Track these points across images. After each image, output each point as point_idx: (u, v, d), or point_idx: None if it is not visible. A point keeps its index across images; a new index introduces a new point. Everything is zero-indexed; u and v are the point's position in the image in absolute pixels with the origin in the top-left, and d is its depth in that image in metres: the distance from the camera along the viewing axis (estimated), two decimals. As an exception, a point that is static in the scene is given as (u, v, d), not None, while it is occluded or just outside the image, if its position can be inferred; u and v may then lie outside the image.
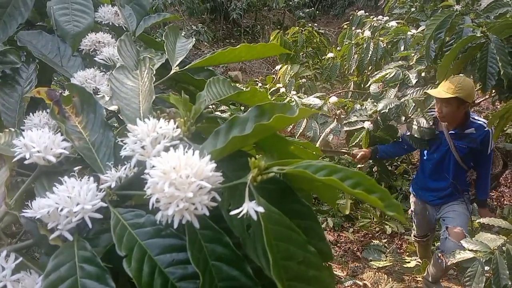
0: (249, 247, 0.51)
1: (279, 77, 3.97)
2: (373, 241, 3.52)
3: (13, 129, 0.73)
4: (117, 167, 0.59)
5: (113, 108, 0.73)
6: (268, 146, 0.58)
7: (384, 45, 3.68)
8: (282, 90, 3.52)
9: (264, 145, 0.58)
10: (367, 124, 2.72)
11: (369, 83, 3.16)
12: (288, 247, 0.44)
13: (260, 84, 4.06)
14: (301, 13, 10.09)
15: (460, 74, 3.15)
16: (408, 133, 2.67)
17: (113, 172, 0.58)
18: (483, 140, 2.49)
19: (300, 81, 3.96)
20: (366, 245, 3.45)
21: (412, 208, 2.90)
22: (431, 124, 2.56)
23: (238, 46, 0.79)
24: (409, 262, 3.18)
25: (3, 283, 0.52)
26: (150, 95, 0.66)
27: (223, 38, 9.12)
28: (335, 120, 2.77)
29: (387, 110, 2.65)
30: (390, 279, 2.98)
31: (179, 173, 0.48)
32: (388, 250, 3.31)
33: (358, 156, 2.72)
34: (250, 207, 0.43)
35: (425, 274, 2.80)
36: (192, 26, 7.91)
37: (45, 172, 0.62)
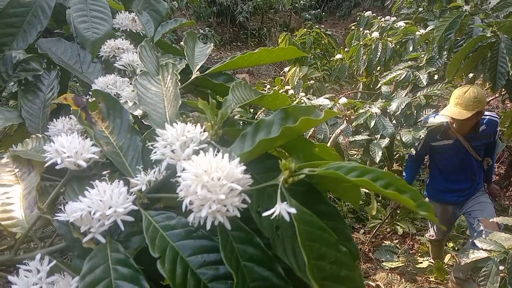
0: (279, 248, 0.52)
1: (288, 79, 3.98)
2: (385, 242, 3.51)
3: (40, 135, 0.75)
4: (145, 171, 0.60)
5: (137, 113, 0.74)
6: (294, 148, 0.59)
7: (393, 45, 3.68)
8: (291, 92, 3.53)
9: (290, 148, 0.59)
10: (375, 109, 2.72)
11: (379, 84, 3.17)
12: (320, 247, 0.45)
13: (268, 86, 4.07)
14: (307, 15, 10.11)
15: (470, 74, 3.16)
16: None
17: (142, 176, 0.59)
18: (494, 132, 2.56)
19: (308, 82, 3.97)
20: (377, 246, 3.44)
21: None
22: (417, 145, 2.58)
23: (257, 50, 0.81)
24: (421, 263, 3.16)
25: (39, 285, 0.53)
26: (176, 100, 0.67)
27: (230, 41, 9.15)
28: (345, 121, 2.77)
29: (399, 112, 2.65)
30: (403, 279, 2.97)
31: (210, 176, 0.49)
32: (400, 251, 3.30)
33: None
34: (283, 208, 0.44)
35: (454, 274, 2.79)
36: (200, 30, 7.95)
37: (75, 176, 0.63)
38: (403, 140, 2.60)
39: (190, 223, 0.51)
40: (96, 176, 0.62)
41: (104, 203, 0.55)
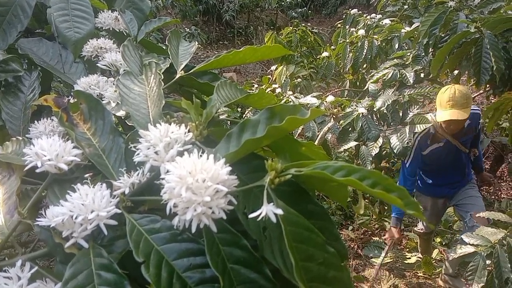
0: (266, 249, 0.51)
1: (275, 78, 3.98)
2: (373, 238, 3.54)
3: (20, 138, 0.73)
4: (129, 173, 0.59)
5: (120, 114, 0.73)
6: (280, 148, 0.58)
7: (379, 43, 3.70)
8: (278, 90, 3.53)
9: (276, 147, 0.59)
10: (362, 110, 2.74)
11: (367, 85, 3.18)
12: (308, 248, 0.44)
13: (256, 86, 4.06)
14: (293, 13, 10.12)
15: (455, 71, 3.19)
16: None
17: (126, 178, 0.58)
18: (477, 123, 2.61)
19: (295, 81, 3.97)
20: (366, 243, 3.46)
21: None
22: (405, 145, 2.59)
23: (242, 49, 0.80)
24: (409, 258, 3.19)
25: (19, 293, 0.52)
26: (159, 100, 0.66)
27: (216, 40, 9.11)
28: (332, 119, 2.77)
29: (385, 107, 2.66)
30: (392, 275, 3.00)
31: (195, 178, 0.48)
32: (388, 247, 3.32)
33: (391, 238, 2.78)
34: (269, 210, 0.44)
35: (443, 271, 2.83)
36: (186, 28, 7.90)
37: (57, 180, 0.62)
38: (392, 145, 2.61)
39: (175, 226, 0.50)
40: (78, 179, 0.60)
41: (86, 206, 0.53)
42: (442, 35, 2.69)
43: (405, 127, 2.62)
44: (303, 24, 4.93)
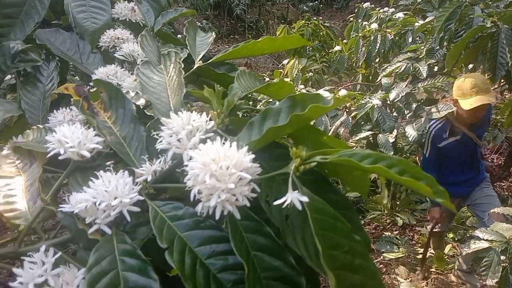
0: (289, 237, 0.51)
1: (287, 72, 3.96)
2: (385, 233, 3.52)
3: (41, 126, 0.73)
4: (150, 161, 0.59)
5: (140, 103, 0.73)
6: (302, 137, 0.58)
7: (392, 37, 3.66)
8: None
9: (298, 136, 0.58)
10: (376, 101, 2.71)
11: (379, 77, 3.15)
12: (334, 236, 0.44)
13: (267, 79, 4.05)
14: (304, 7, 10.05)
15: (470, 65, 3.14)
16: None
17: (148, 166, 0.58)
18: (490, 115, 2.64)
19: (307, 75, 3.95)
20: (377, 237, 3.44)
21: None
22: (421, 132, 2.56)
23: (260, 39, 0.79)
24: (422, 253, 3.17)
25: (44, 278, 0.52)
26: (179, 89, 0.66)
27: (227, 34, 9.09)
28: (345, 112, 2.76)
29: (399, 98, 2.64)
30: (404, 270, 2.98)
31: (219, 165, 0.48)
32: (400, 242, 3.30)
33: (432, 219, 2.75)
34: (294, 197, 0.43)
35: (457, 267, 2.81)
36: (197, 22, 7.87)
37: (79, 167, 0.62)
38: (408, 136, 2.58)
39: (198, 213, 0.50)
40: (100, 167, 0.60)
41: (110, 193, 0.53)
42: (458, 29, 2.65)
43: (421, 118, 2.60)
44: (314, 18, 4.90)
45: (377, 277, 0.45)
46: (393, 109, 2.99)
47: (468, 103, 2.33)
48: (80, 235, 0.56)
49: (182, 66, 0.71)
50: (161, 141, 0.56)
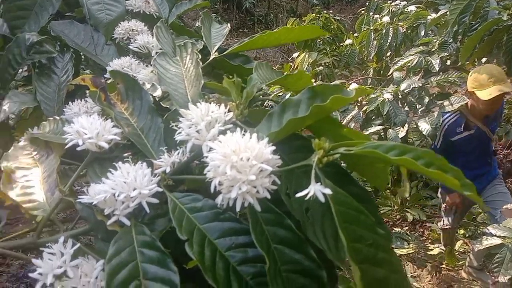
0: (309, 230, 0.51)
1: (297, 65, 3.94)
2: (395, 229, 3.50)
3: (57, 118, 0.73)
4: (168, 152, 0.58)
5: (156, 94, 0.73)
6: (322, 129, 0.57)
7: (404, 30, 3.61)
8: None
9: (318, 128, 0.57)
10: (388, 95, 2.69)
11: (391, 71, 3.12)
12: (357, 229, 0.43)
13: (277, 73, 4.02)
14: (314, 0, 9.97)
15: (483, 59, 3.10)
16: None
17: (166, 157, 0.57)
18: (502, 108, 2.62)
19: (317, 68, 3.92)
20: (387, 233, 3.42)
21: (445, 204, 2.88)
22: (434, 126, 2.53)
23: (276, 29, 0.78)
24: (432, 250, 3.15)
25: (63, 269, 0.52)
26: (197, 80, 0.65)
27: (236, 28, 9.06)
28: (356, 107, 2.73)
29: (410, 89, 2.61)
30: (414, 266, 2.97)
31: (239, 156, 0.47)
32: (410, 238, 3.29)
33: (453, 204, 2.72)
34: (317, 189, 0.43)
35: (467, 263, 2.79)
36: (206, 16, 7.83)
37: (97, 158, 0.62)
38: (421, 130, 2.56)
39: (218, 204, 0.49)
40: (117, 158, 0.60)
41: (129, 184, 0.53)
42: (472, 22, 2.61)
43: (434, 113, 2.58)
44: (325, 11, 4.85)
45: (400, 271, 0.44)
46: (405, 104, 2.97)
47: (486, 94, 2.30)
48: (99, 226, 0.56)
49: (199, 57, 0.71)
50: (180, 132, 0.55)
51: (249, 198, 0.47)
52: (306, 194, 0.44)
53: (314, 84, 0.60)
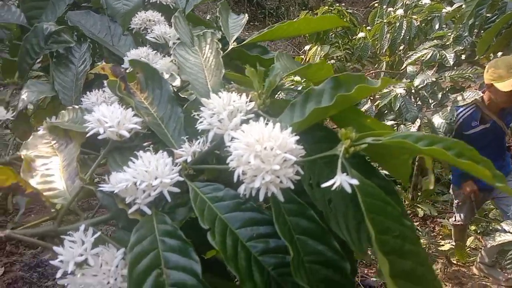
0: (332, 221, 0.50)
1: (309, 58, 3.91)
2: (405, 224, 3.47)
3: (76, 107, 0.73)
4: (189, 141, 0.58)
5: (175, 84, 0.72)
6: (345, 119, 0.56)
7: (418, 23, 3.56)
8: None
9: (341, 118, 0.57)
10: (400, 90, 2.65)
11: (404, 65, 3.08)
12: (384, 220, 0.42)
13: (288, 66, 3.99)
14: (326, -7, 9.87)
15: (499, 53, 3.04)
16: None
17: (187, 146, 0.57)
18: None
19: (330, 62, 3.89)
20: (398, 228, 3.40)
21: (457, 200, 2.85)
22: (449, 121, 2.48)
23: (296, 19, 0.77)
24: (443, 245, 3.13)
25: (84, 257, 0.52)
26: (218, 69, 0.64)
27: (247, 21, 9.00)
28: (369, 100, 2.71)
29: (423, 84, 2.57)
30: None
31: (263, 145, 0.46)
32: (421, 233, 3.26)
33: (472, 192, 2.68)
34: (343, 179, 0.42)
35: (479, 259, 2.77)
36: (217, 9, 7.80)
37: (117, 147, 0.62)
38: (435, 124, 2.52)
39: (241, 194, 0.49)
40: (138, 147, 0.60)
41: (150, 173, 0.53)
42: (489, 15, 2.56)
43: (447, 107, 2.54)
44: (337, 4, 4.80)
45: (427, 263, 0.44)
46: (418, 98, 2.93)
47: (508, 85, 2.25)
48: (120, 214, 0.56)
49: (220, 46, 0.70)
50: (201, 122, 0.55)
51: (273, 188, 0.47)
52: (332, 185, 0.43)
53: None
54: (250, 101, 0.57)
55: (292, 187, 0.47)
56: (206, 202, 0.52)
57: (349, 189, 0.42)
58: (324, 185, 0.43)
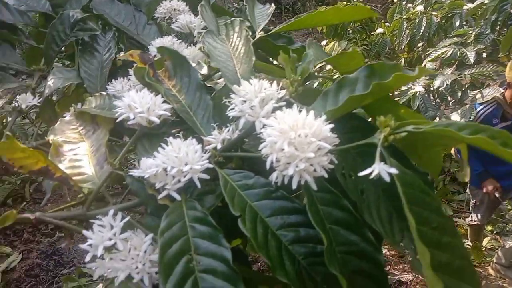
0: (365, 212, 0.49)
1: (326, 54, 3.88)
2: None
3: (104, 93, 0.73)
4: (219, 129, 0.58)
5: (203, 72, 0.72)
6: (380, 108, 0.55)
7: (438, 20, 3.50)
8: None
9: (375, 108, 0.55)
10: (419, 88, 2.61)
11: (424, 63, 3.03)
12: (422, 211, 0.41)
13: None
14: (343, -11, 9.77)
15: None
16: None
17: (217, 134, 0.57)
18: None
19: (346, 58, 3.84)
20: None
21: (474, 200, 2.80)
22: (468, 119, 2.44)
23: (326, 9, 0.76)
24: (459, 245, 3.08)
25: (113, 241, 0.52)
26: (247, 57, 0.64)
27: (262, 15, 8.96)
28: (387, 97, 2.67)
29: (444, 86, 2.53)
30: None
31: (297, 132, 0.46)
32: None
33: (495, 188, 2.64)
34: (382, 168, 0.41)
35: (496, 260, 2.73)
36: (234, 3, 7.81)
37: (145, 134, 0.62)
38: None
39: (272, 182, 0.48)
40: (166, 135, 0.60)
41: (180, 159, 0.53)
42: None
43: (465, 105, 2.50)
44: (354, 0, 4.75)
45: (465, 257, 0.42)
46: (436, 96, 2.89)
47: None
48: (149, 200, 0.56)
49: (250, 33, 0.69)
50: (232, 109, 0.54)
51: (306, 176, 0.46)
52: (365, 175, 0.42)
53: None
54: (281, 89, 0.56)
55: (326, 175, 0.46)
56: (236, 190, 0.52)
57: (387, 178, 0.41)
58: (361, 173, 0.42)
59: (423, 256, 0.37)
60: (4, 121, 1.27)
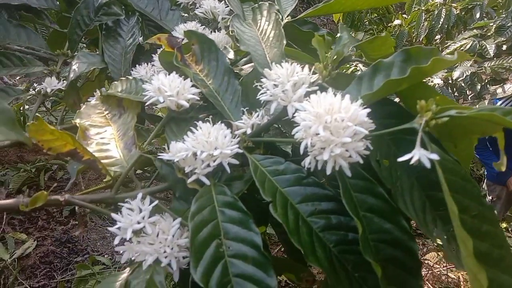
0: (399, 200, 0.48)
1: (342, 45, 3.83)
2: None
3: (130, 77, 0.73)
4: (248, 114, 0.57)
5: (230, 56, 0.71)
6: (415, 93, 0.53)
7: (457, 11, 3.43)
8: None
9: (410, 93, 0.54)
10: (438, 80, 2.57)
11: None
12: (463, 199, 0.40)
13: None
14: (358, -20, 9.63)
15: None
16: None
17: (246, 119, 0.56)
18: None
19: (363, 50, 3.80)
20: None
21: (491, 196, 2.76)
22: None
23: (354, -5, 0.74)
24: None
25: (142, 224, 0.52)
26: (278, 41, 0.63)
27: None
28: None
29: (463, 77, 2.48)
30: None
31: (333, 117, 0.45)
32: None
33: None
34: (422, 154, 0.40)
35: None
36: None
37: (173, 118, 0.61)
38: None
39: (305, 167, 0.47)
40: (193, 119, 0.59)
41: (210, 144, 0.52)
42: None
43: (484, 100, 2.45)
44: (372, -9, 4.67)
45: (505, 246, 0.41)
46: (455, 89, 2.84)
47: None
48: (177, 184, 0.55)
49: (280, 16, 0.68)
50: (264, 93, 0.54)
51: (342, 161, 0.45)
52: (401, 162, 0.41)
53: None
54: (313, 73, 0.55)
55: (361, 161, 0.45)
56: (266, 175, 0.51)
57: (428, 164, 0.40)
58: (400, 159, 0.41)
59: (465, 244, 0.36)
60: (21, 108, 1.28)
